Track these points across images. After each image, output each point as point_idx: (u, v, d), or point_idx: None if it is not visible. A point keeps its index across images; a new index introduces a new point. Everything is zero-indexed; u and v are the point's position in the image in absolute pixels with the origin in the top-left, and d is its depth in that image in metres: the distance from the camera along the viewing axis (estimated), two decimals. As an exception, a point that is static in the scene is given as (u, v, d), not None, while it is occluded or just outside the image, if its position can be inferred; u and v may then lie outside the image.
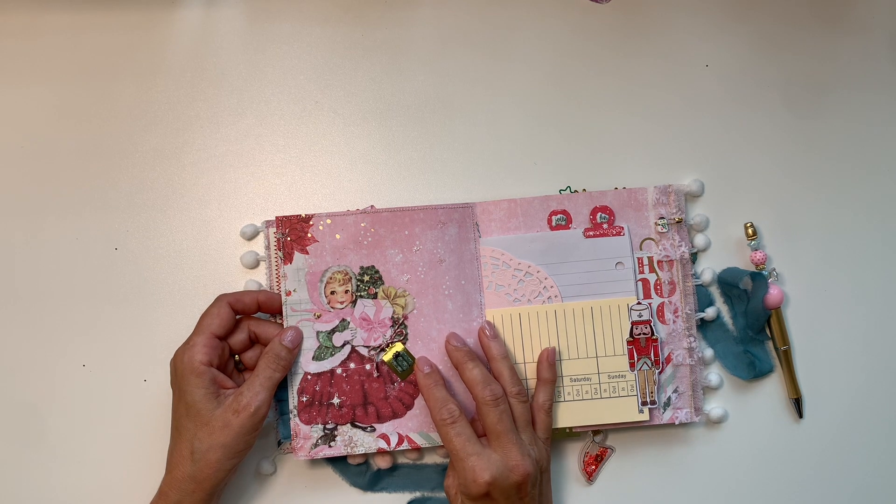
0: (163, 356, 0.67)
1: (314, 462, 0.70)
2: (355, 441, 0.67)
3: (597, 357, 0.69)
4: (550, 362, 0.68)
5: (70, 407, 0.70)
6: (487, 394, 0.64)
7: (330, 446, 0.67)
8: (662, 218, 0.71)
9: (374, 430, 0.68)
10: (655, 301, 0.70)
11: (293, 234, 0.69)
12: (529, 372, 0.69)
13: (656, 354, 0.69)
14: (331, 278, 0.69)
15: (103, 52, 0.74)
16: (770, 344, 0.72)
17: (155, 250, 0.72)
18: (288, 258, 0.68)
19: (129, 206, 0.73)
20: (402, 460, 0.71)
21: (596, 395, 0.69)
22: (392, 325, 0.68)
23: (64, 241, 0.72)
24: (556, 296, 0.70)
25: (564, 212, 0.71)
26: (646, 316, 0.69)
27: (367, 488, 0.70)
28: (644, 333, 0.69)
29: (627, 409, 0.69)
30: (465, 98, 0.74)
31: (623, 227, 0.70)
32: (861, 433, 0.72)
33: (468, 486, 0.62)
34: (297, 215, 0.69)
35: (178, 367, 0.64)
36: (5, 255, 0.72)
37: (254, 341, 0.68)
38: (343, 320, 0.68)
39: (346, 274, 0.69)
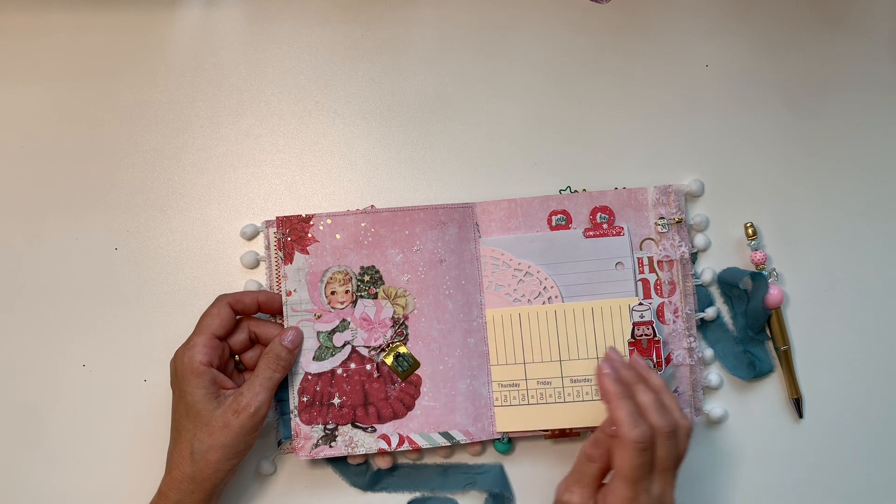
0: (163, 356, 0.67)
1: (314, 462, 0.70)
2: (356, 441, 0.67)
3: (598, 358, 0.69)
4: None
5: (70, 407, 0.70)
6: (664, 424, 0.58)
7: (330, 446, 0.67)
8: (662, 218, 0.71)
9: (375, 430, 0.68)
10: (655, 301, 0.70)
11: (293, 234, 0.69)
12: (530, 372, 0.69)
13: (658, 356, 0.69)
14: (331, 278, 0.69)
15: (103, 52, 0.74)
16: (770, 344, 0.72)
17: (155, 250, 0.72)
18: (288, 258, 0.68)
19: (129, 206, 0.73)
20: (402, 460, 0.71)
21: (597, 396, 0.68)
22: (392, 325, 0.68)
23: (64, 241, 0.72)
24: (556, 296, 0.70)
25: (564, 212, 0.71)
26: (647, 317, 0.69)
27: (367, 488, 0.70)
28: (646, 335, 0.69)
29: (629, 412, 0.68)
30: (465, 98, 0.74)
31: (623, 227, 0.70)
32: (861, 433, 0.72)
33: None
34: (298, 215, 0.69)
35: (178, 368, 0.64)
36: (6, 255, 0.72)
37: (254, 341, 0.68)
38: (343, 320, 0.68)
39: (347, 274, 0.69)
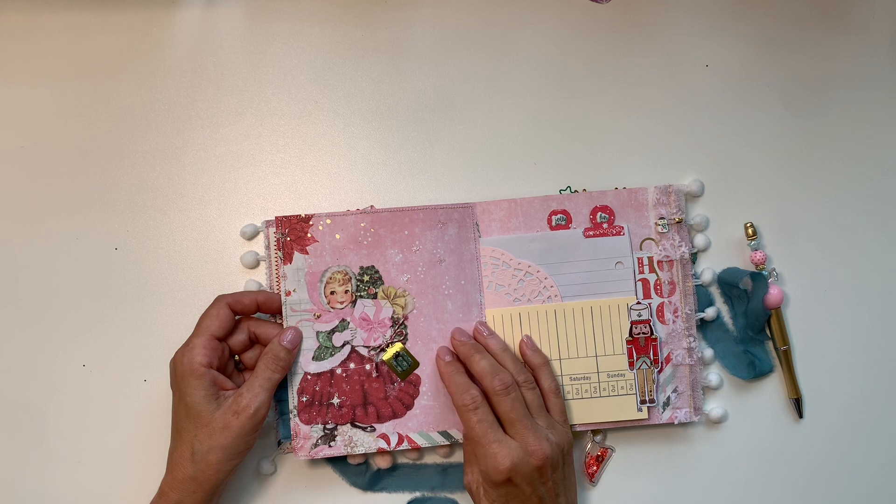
0: (163, 356, 0.67)
1: (314, 462, 0.70)
2: (355, 441, 0.67)
3: (596, 356, 0.69)
4: (532, 347, 0.69)
5: (70, 407, 0.70)
6: (497, 383, 0.64)
7: (330, 446, 0.67)
8: (662, 218, 0.71)
9: (374, 429, 0.68)
10: (655, 301, 0.70)
11: (293, 234, 0.69)
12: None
13: (655, 353, 0.69)
14: (330, 278, 0.69)
15: (103, 52, 0.74)
16: (770, 344, 0.72)
17: (155, 250, 0.72)
18: (288, 258, 0.68)
19: (129, 206, 0.73)
20: (401, 460, 0.71)
21: (595, 393, 0.69)
22: (392, 325, 0.68)
23: (64, 241, 0.72)
24: (555, 295, 0.70)
25: (564, 212, 0.71)
26: (645, 315, 0.69)
27: (367, 488, 0.70)
28: (643, 333, 0.69)
29: (626, 408, 0.69)
30: (465, 98, 0.74)
31: (623, 227, 0.70)
32: (861, 433, 0.72)
33: (490, 473, 0.62)
34: (297, 215, 0.69)
35: (178, 369, 0.64)
36: (5, 255, 0.72)
37: (253, 342, 0.68)
38: (343, 320, 0.68)
39: (346, 274, 0.69)
